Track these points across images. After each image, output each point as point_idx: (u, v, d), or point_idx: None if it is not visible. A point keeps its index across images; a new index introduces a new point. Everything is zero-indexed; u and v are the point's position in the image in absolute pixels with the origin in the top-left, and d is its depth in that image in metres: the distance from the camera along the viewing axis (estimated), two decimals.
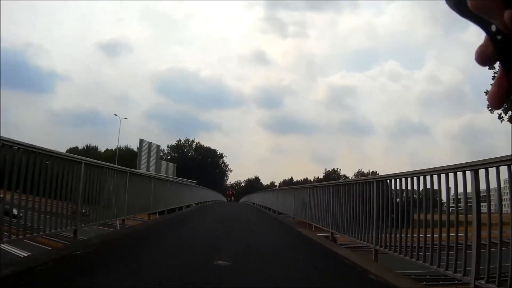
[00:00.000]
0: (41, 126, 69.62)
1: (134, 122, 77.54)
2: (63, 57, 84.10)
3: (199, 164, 59.22)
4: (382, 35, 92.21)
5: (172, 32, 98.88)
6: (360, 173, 69.85)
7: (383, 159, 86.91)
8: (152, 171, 28.68)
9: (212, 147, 66.00)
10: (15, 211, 3.65)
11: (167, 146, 62.99)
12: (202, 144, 65.13)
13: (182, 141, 63.84)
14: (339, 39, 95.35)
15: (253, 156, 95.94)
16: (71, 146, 53.91)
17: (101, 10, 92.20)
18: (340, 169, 73.81)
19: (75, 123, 77.93)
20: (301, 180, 77.47)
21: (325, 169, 75.03)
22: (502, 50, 0.58)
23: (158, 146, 33.63)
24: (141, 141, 31.30)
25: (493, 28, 0.57)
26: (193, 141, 64.61)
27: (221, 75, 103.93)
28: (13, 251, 6.13)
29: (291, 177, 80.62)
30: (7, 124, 57.44)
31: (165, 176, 28.10)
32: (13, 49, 68.32)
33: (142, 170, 26.39)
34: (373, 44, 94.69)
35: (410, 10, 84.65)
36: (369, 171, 68.13)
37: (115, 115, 40.13)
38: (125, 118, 39.80)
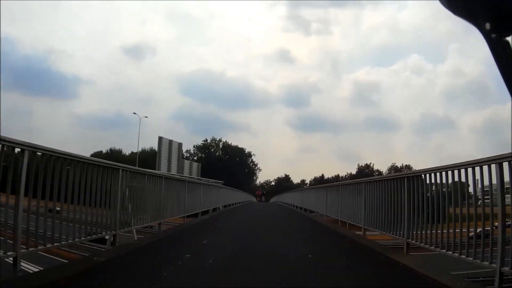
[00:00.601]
0: (67, 131, 72.82)
1: (161, 123, 78.57)
2: (87, 61, 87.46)
3: (226, 163, 60.19)
4: (405, 30, 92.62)
5: (196, 33, 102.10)
6: (393, 168, 68.47)
7: (409, 154, 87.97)
8: (174, 171, 27.42)
9: (240, 146, 66.80)
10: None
11: (194, 147, 64.80)
12: (229, 143, 65.95)
13: (209, 141, 65.04)
14: (362, 35, 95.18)
15: (281, 155, 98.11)
16: (96, 150, 56.39)
17: (124, 12, 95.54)
18: (373, 164, 72.40)
19: (101, 127, 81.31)
20: (332, 177, 77.05)
21: (358, 165, 73.98)
22: (495, 48, 0.57)
23: (180, 144, 31.51)
24: (160, 139, 29.13)
25: (487, 26, 0.56)
26: (220, 140, 65.59)
27: (247, 75, 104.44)
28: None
29: (322, 174, 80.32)
30: (34, 129, 62.17)
31: (189, 177, 25.55)
32: (35, 55, 72.49)
33: (162, 171, 24.90)
34: (396, 39, 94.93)
35: (431, 4, 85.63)
36: (402, 165, 66.73)
37: (134, 113, 40.59)
38: (145, 117, 39.52)
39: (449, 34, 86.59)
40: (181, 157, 31.87)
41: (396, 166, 68.31)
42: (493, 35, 0.62)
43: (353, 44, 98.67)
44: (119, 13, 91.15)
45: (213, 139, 65.12)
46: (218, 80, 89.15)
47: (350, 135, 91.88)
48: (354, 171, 73.44)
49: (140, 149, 44.23)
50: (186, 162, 33.45)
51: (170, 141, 29.12)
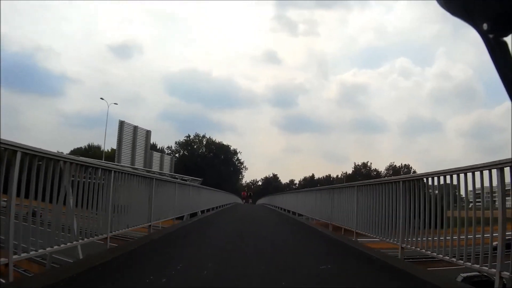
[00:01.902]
0: (53, 129, 76.62)
1: (147, 123, 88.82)
2: (74, 60, 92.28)
3: (210, 161, 59.66)
4: (392, 33, 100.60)
5: (183, 33, 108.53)
6: (392, 167, 69.64)
7: (396, 156, 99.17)
8: (139, 165, 23.63)
9: (225, 143, 66.12)
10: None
11: (176, 143, 63.94)
12: (213, 139, 65.21)
13: (192, 137, 64.21)
14: (349, 37, 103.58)
15: (267, 155, 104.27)
16: (76, 147, 56.99)
17: (110, 12, 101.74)
18: (371, 163, 73.30)
19: (87, 125, 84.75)
20: (323, 177, 77.89)
21: (355, 164, 74.62)
22: (493, 48, 0.60)
23: (148, 132, 26.82)
24: (121, 124, 23.71)
25: (485, 26, 0.58)
26: (203, 136, 64.65)
27: (233, 75, 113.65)
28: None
29: (312, 174, 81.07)
30: (19, 127, 63.12)
31: (159, 173, 22.31)
32: (22, 52, 75.21)
33: (124, 163, 21.63)
34: (383, 41, 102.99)
35: (418, 8, 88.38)
36: (401, 164, 68.12)
37: (102, 98, 36.38)
38: (115, 103, 37.40)
39: (436, 37, 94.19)
40: (149, 148, 27.86)
41: (395, 165, 69.45)
42: (491, 35, 0.63)
43: (340, 45, 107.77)
44: (106, 12, 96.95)
45: (196, 135, 64.24)
46: (204, 80, 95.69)
47: (336, 136, 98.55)
48: (349, 171, 74.08)
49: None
50: (156, 155, 29.34)
51: (135, 128, 24.89)
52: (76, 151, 48.60)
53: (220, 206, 19.19)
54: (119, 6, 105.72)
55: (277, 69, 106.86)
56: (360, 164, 74.30)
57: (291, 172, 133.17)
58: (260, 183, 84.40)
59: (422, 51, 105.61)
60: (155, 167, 27.05)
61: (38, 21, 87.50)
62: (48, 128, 78.26)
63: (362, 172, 70.02)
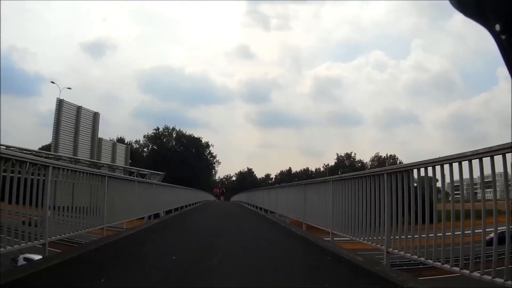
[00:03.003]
0: (30, 129, 78.10)
1: (121, 121, 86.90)
2: (49, 59, 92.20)
3: (181, 155, 58.17)
4: (367, 25, 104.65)
5: (155, 30, 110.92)
6: (377, 158, 70.49)
7: (374, 149, 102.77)
8: (84, 156, 20.93)
9: (196, 136, 64.57)
10: None
11: (144, 137, 62.02)
12: (184, 132, 63.53)
13: (161, 130, 62.30)
14: (323, 30, 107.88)
15: (242, 151, 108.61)
16: (44, 144, 55.31)
17: (85, 10, 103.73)
18: (355, 154, 73.82)
19: None
20: (300, 171, 78.21)
21: (337, 155, 74.84)
22: (505, 49, 0.64)
23: (96, 115, 23.04)
24: (59, 102, 20.07)
25: (497, 27, 0.64)
26: (173, 129, 62.77)
27: (207, 71, 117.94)
28: None
29: (289, 167, 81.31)
30: None
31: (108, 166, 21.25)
32: None
33: (62, 153, 19.26)
34: (357, 34, 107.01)
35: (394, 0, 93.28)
36: (386, 155, 69.09)
37: (52, 82, 31.02)
38: (69, 88, 33.26)
39: (412, 30, 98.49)
40: (97, 134, 23.82)
41: (380, 156, 70.21)
42: (503, 36, 0.66)
43: (313, 39, 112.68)
44: (81, 10, 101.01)
45: (166, 128, 62.27)
46: (178, 77, 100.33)
47: (312, 130, 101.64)
48: (332, 163, 74.24)
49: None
50: (106, 144, 25.38)
51: (79, 109, 21.16)
52: (44, 148, 46.57)
53: (187, 206, 17.92)
54: (94, 5, 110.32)
55: (250, 64, 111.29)
56: (343, 155, 74.52)
57: (267, 167, 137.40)
58: (234, 178, 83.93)
59: (397, 43, 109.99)
60: (105, 158, 23.85)
61: (12, 21, 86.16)
62: (25, 127, 78.51)
63: (346, 164, 70.37)
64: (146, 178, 23.55)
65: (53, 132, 19.69)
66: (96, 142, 23.47)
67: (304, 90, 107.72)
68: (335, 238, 6.37)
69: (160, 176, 24.70)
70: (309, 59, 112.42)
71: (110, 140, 28.83)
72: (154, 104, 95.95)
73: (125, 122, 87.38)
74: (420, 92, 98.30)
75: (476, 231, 3.14)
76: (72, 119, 20.63)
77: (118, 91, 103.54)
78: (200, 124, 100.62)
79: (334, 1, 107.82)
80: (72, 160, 19.71)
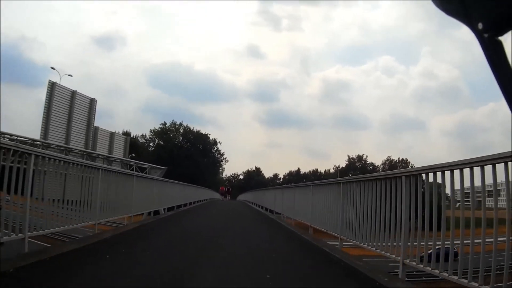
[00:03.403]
0: (36, 119, 75.19)
1: (129, 115, 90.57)
2: (58, 50, 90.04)
3: (187, 152, 57.90)
4: (376, 30, 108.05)
5: (166, 27, 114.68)
6: (388, 161, 69.42)
7: (378, 153, 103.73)
8: (78, 145, 19.48)
9: (203, 132, 64.05)
10: None
11: (150, 131, 61.79)
12: (191, 128, 63.05)
13: (168, 125, 61.96)
14: (333, 33, 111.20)
15: (249, 150, 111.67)
16: None
17: (95, 4, 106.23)
18: (367, 156, 72.91)
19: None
20: (309, 172, 77.65)
21: (348, 156, 73.94)
22: (488, 48, 0.68)
23: (93, 102, 21.20)
24: (51, 85, 18.21)
25: (480, 26, 0.67)
26: (180, 124, 62.38)
27: (215, 69, 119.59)
28: None
29: (298, 168, 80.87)
30: (2, 117, 61.98)
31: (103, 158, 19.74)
32: (6, 42, 73.74)
33: (52, 140, 17.78)
34: (367, 39, 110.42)
35: (404, 6, 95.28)
36: (398, 159, 67.94)
37: (52, 68, 29.63)
38: (70, 75, 31.10)
39: (421, 36, 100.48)
40: (93, 122, 22.04)
41: (392, 159, 69.09)
42: (486, 35, 0.67)
43: (323, 42, 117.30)
44: (91, 3, 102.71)
45: (173, 123, 61.93)
46: (187, 74, 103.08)
47: (318, 132, 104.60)
48: (339, 165, 73.46)
49: None
50: (103, 133, 23.46)
51: (73, 94, 19.26)
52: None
53: (191, 203, 17.60)
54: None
55: (260, 64, 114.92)
56: (354, 157, 73.56)
57: (274, 166, 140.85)
58: (241, 176, 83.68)
59: (406, 49, 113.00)
60: (102, 149, 22.54)
61: (23, 11, 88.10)
62: (31, 117, 79.34)
63: (357, 166, 69.40)
64: (146, 173, 22.81)
65: (43, 117, 17.89)
66: (91, 131, 21.72)
67: (312, 91, 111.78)
68: (344, 243, 5.99)
69: (161, 171, 23.67)
70: (318, 61, 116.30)
71: (106, 130, 26.27)
72: (162, 100, 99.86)
73: (132, 116, 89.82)
74: (427, 98, 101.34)
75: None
76: (65, 104, 18.85)
77: (126, 85, 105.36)
78: (207, 121, 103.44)
79: (345, 3, 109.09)
80: (62, 149, 18.15)
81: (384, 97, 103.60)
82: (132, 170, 22.39)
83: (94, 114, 22.58)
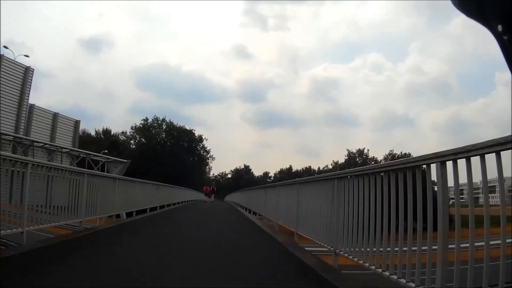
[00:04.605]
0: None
1: (117, 117, 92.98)
2: (46, 54, 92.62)
3: (171, 149, 56.37)
4: (365, 27, 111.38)
5: (153, 28, 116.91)
6: (391, 156, 68.17)
7: (371, 150, 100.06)
8: (5, 128, 15.71)
9: (187, 127, 62.27)
10: None
11: (131, 128, 59.64)
12: (175, 123, 61.28)
13: (150, 121, 60.07)
14: (321, 31, 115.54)
15: (238, 150, 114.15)
16: None
17: (82, 6, 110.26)
18: (368, 150, 71.91)
19: None
20: (302, 169, 76.99)
21: (348, 151, 72.76)
22: (508, 50, 0.69)
23: (28, 70, 18.34)
24: None
25: (500, 28, 0.69)
26: (163, 120, 60.53)
27: (203, 70, 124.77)
28: None
29: (290, 165, 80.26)
30: None
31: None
32: None
33: None
34: (355, 36, 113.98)
35: (392, 2, 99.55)
36: (401, 153, 66.64)
37: (5, 47, 23.73)
38: (26, 56, 26.78)
39: (410, 31, 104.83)
40: (26, 98, 17.74)
41: (395, 154, 67.84)
42: (505, 37, 0.68)
43: (311, 40, 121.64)
44: (78, 6, 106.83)
45: (155, 119, 60.10)
46: (175, 75, 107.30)
47: (308, 131, 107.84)
48: (342, 159, 72.14)
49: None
50: (42, 113, 19.38)
51: None
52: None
53: (163, 206, 16.36)
54: (92, 1, 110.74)
55: (247, 64, 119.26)
56: (355, 151, 72.38)
57: (265, 166, 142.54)
58: (229, 175, 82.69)
59: (395, 45, 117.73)
60: (40, 134, 18.96)
61: (11, 16, 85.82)
62: None
63: (358, 162, 67.99)
64: (101, 168, 20.79)
65: None
66: (25, 110, 17.64)
67: (301, 90, 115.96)
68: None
69: (123, 165, 21.50)
70: (306, 59, 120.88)
71: (42, 109, 20.56)
72: (151, 101, 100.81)
73: (121, 118, 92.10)
74: (417, 94, 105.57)
75: None
76: None
77: (115, 87, 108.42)
78: (196, 122, 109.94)
79: (332, 2, 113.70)
80: None
81: (374, 94, 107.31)
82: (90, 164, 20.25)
83: (30, 88, 18.10)
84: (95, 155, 20.90)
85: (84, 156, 20.63)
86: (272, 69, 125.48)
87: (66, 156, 20.08)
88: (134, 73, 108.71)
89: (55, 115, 20.22)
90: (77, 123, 23.10)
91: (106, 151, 25.11)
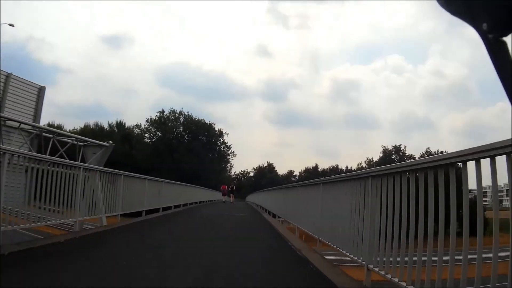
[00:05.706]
0: (44, 118, 77.78)
1: (139, 114, 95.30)
2: (67, 50, 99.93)
3: (189, 144, 55.36)
4: (385, 29, 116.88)
5: (176, 26, 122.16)
6: (428, 154, 65.47)
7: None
8: None
9: (207, 121, 60.93)
10: None
11: (147, 121, 58.13)
12: (193, 116, 59.84)
13: (166, 113, 58.67)
14: (342, 31, 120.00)
15: (259, 149, 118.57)
16: None
17: (104, 3, 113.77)
18: (405, 147, 69.82)
19: (79, 116, 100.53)
20: (329, 168, 75.91)
21: (383, 148, 70.03)
22: (492, 48, 0.71)
23: None
24: None
25: (484, 26, 0.70)
26: (180, 112, 59.13)
27: (225, 68, 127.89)
28: None
29: (316, 164, 79.51)
30: None
31: None
32: (14, 43, 79.87)
33: None
34: (376, 37, 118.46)
35: (413, 4, 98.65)
36: (437, 150, 63.82)
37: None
38: (11, 25, 22.33)
39: (431, 34, 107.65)
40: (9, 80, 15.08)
41: (431, 151, 64.97)
42: (490, 35, 0.70)
43: (332, 40, 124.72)
44: (100, 2, 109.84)
45: (172, 111, 58.83)
46: (197, 73, 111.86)
47: (328, 131, 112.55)
48: (376, 157, 69.85)
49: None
50: (16, 83, 15.62)
51: None
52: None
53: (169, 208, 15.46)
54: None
55: (269, 63, 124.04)
56: (391, 148, 69.73)
57: (288, 165, 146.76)
58: (252, 174, 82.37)
59: (416, 48, 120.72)
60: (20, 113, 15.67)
61: (31, 11, 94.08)
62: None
63: (394, 159, 65.30)
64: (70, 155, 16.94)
65: None
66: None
67: (321, 91, 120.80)
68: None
69: (103, 150, 17.00)
70: (327, 59, 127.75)
71: (23, 81, 16.84)
72: (171, 99, 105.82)
73: (141, 115, 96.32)
74: (437, 97, 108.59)
75: None
76: None
77: (135, 84, 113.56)
78: (216, 120, 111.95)
79: (354, 2, 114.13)
80: None
81: (394, 96, 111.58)
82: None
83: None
84: (67, 135, 17.21)
85: (51, 136, 16.58)
86: (293, 69, 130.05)
87: (19, 132, 15.34)
88: (155, 71, 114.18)
89: (7, 77, 15.20)
90: (41, 89, 17.44)
91: (111, 142, 20.19)
